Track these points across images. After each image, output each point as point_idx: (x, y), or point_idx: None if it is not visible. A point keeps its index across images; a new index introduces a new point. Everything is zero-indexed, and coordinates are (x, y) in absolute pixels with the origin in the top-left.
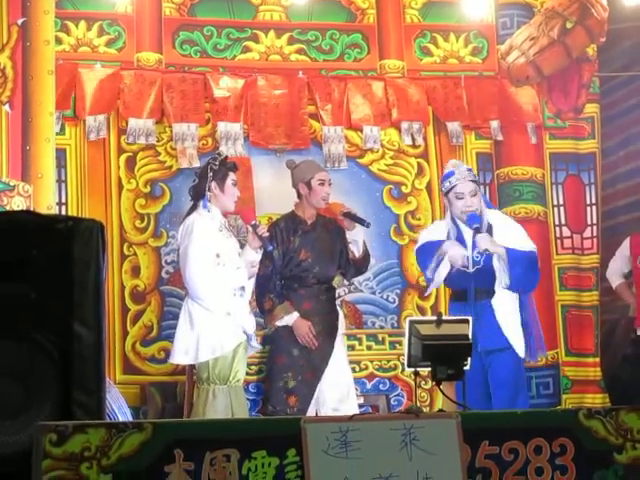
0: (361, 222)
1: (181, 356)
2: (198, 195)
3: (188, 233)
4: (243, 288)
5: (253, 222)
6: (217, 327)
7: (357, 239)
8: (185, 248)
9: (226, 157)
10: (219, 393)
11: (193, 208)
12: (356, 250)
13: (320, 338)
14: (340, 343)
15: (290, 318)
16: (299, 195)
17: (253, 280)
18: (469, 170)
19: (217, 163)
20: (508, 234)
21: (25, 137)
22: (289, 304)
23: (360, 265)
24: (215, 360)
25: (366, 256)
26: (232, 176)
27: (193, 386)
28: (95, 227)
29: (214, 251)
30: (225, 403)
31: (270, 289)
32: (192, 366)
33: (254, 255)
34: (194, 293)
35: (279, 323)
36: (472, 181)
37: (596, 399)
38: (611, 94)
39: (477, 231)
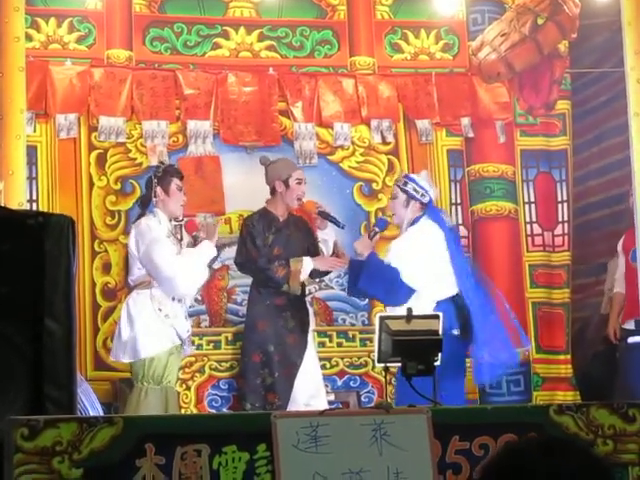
0: (336, 223)
1: (120, 354)
2: (145, 203)
3: (144, 232)
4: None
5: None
6: (154, 328)
7: (327, 239)
8: (149, 243)
9: (170, 164)
10: (151, 392)
11: (140, 216)
12: (325, 249)
13: (294, 334)
14: (310, 340)
15: (308, 263)
16: (273, 192)
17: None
18: (406, 178)
19: (161, 170)
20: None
21: None
22: (294, 258)
23: None
24: (150, 360)
25: (338, 256)
26: (176, 181)
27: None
28: (65, 222)
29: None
30: (156, 403)
31: (269, 262)
32: (127, 364)
33: (213, 252)
34: (168, 282)
35: (304, 275)
36: (400, 188)
37: (567, 396)
38: (582, 90)
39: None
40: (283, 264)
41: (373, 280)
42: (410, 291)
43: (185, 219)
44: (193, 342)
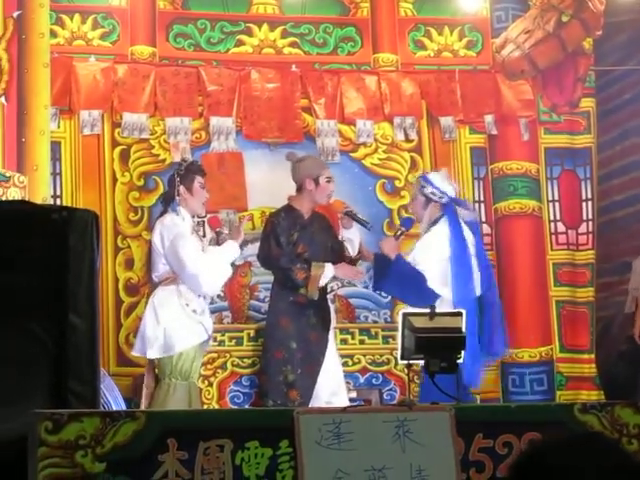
0: (363, 224)
1: (146, 350)
2: (167, 200)
3: (170, 227)
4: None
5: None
6: (181, 324)
7: (353, 238)
8: (174, 239)
9: (192, 161)
10: (179, 388)
11: (163, 213)
12: (351, 249)
13: (316, 331)
14: (331, 337)
15: (329, 270)
16: (300, 189)
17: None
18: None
19: (183, 168)
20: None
21: (20, 129)
22: (316, 263)
23: (354, 264)
24: (179, 356)
25: (360, 257)
26: (199, 179)
27: (153, 380)
28: (89, 217)
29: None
30: (183, 398)
31: (291, 263)
32: (152, 360)
33: (237, 252)
34: (192, 279)
35: (323, 281)
36: (419, 190)
37: (591, 396)
38: (607, 88)
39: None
40: (305, 267)
41: (400, 283)
42: (435, 295)
43: (208, 215)
44: (215, 338)
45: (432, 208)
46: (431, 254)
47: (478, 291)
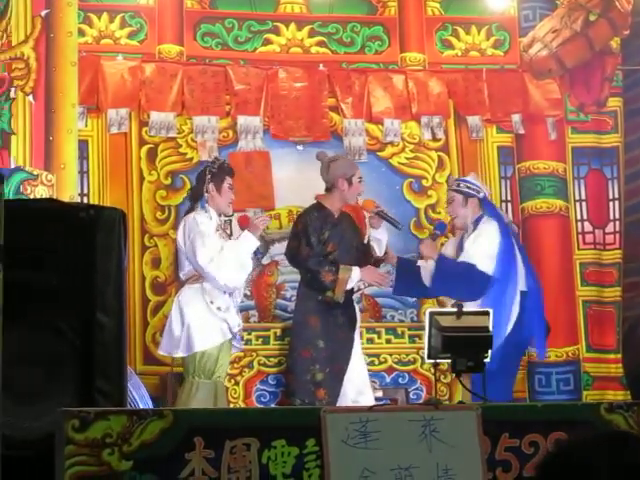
0: (394, 224)
1: (172, 348)
2: (196, 197)
3: (191, 226)
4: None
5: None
6: (206, 322)
7: (381, 238)
8: (193, 238)
9: (224, 161)
10: (202, 387)
11: (191, 209)
12: (378, 249)
13: (343, 330)
14: (357, 336)
15: (356, 274)
16: (331, 188)
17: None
18: (457, 180)
19: (216, 166)
20: (474, 248)
21: (48, 128)
22: (344, 266)
23: (378, 264)
24: (202, 354)
25: (385, 258)
26: (229, 180)
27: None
28: (117, 216)
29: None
30: (207, 397)
31: (320, 265)
32: (175, 359)
33: (254, 242)
34: (210, 275)
35: (350, 285)
36: (455, 190)
37: (617, 396)
38: (634, 87)
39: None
40: (333, 270)
41: (447, 279)
42: (488, 283)
43: (236, 214)
44: (242, 337)
45: (471, 205)
46: (485, 251)
47: (523, 286)
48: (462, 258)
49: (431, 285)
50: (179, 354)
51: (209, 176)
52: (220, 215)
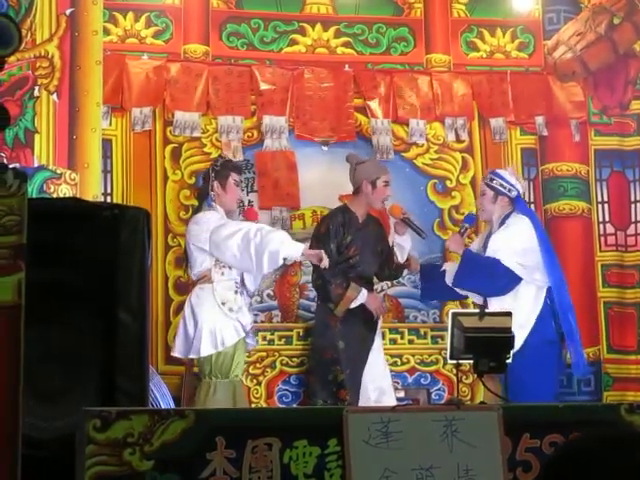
0: (419, 233)
1: (185, 350)
2: (202, 196)
3: (202, 223)
4: (243, 284)
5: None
6: (218, 323)
7: (404, 245)
8: (213, 230)
9: (229, 160)
10: (220, 387)
11: (198, 209)
12: (400, 255)
13: (364, 331)
14: (379, 337)
15: (362, 296)
16: (357, 191)
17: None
18: (492, 174)
19: (218, 164)
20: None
21: (72, 126)
22: (355, 284)
23: (399, 271)
24: (217, 354)
25: (408, 265)
26: (234, 176)
27: (192, 379)
28: (141, 215)
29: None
30: (225, 397)
31: (334, 276)
32: (191, 360)
33: (296, 253)
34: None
35: (354, 304)
36: (487, 184)
37: (637, 397)
38: None
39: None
40: (343, 285)
41: (471, 274)
42: (513, 279)
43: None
44: (264, 337)
45: (501, 202)
46: (513, 247)
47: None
48: (488, 254)
49: (455, 280)
50: (194, 356)
51: (212, 174)
52: (228, 213)
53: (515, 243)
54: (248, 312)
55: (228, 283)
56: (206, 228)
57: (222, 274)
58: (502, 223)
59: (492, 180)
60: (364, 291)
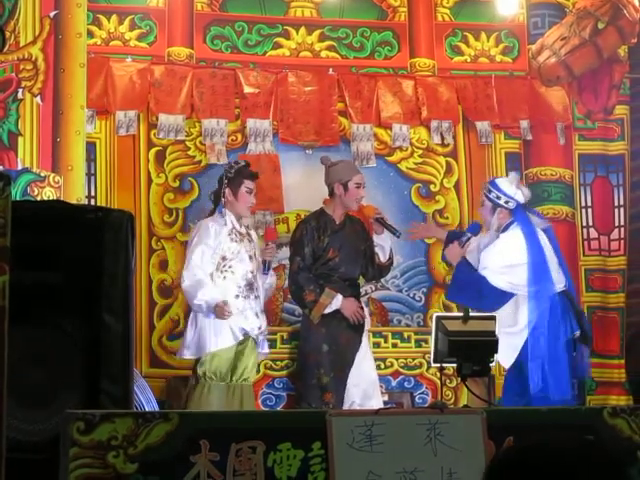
0: (393, 232)
1: (185, 351)
2: (217, 200)
3: (196, 232)
4: (251, 289)
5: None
6: (214, 326)
7: (384, 245)
8: (193, 246)
9: (244, 164)
10: (214, 389)
11: (211, 213)
12: (382, 255)
13: (350, 334)
14: (365, 340)
15: (336, 301)
16: (332, 193)
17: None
18: (490, 184)
19: (232, 171)
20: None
21: (56, 129)
22: (330, 290)
23: (382, 270)
24: (212, 357)
25: (390, 263)
26: (247, 183)
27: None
28: (125, 218)
29: (219, 255)
30: (219, 399)
31: (307, 282)
32: (195, 361)
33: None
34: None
35: (327, 310)
36: (485, 195)
37: (620, 401)
38: None
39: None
40: (317, 292)
41: (462, 289)
42: (502, 296)
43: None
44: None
45: (500, 214)
46: (503, 261)
47: (560, 287)
48: (479, 269)
49: (448, 292)
50: (189, 356)
51: (226, 181)
52: (240, 219)
53: (504, 260)
54: (255, 316)
55: (229, 287)
56: (195, 238)
57: (224, 278)
58: (499, 234)
59: (490, 192)
60: (339, 296)
